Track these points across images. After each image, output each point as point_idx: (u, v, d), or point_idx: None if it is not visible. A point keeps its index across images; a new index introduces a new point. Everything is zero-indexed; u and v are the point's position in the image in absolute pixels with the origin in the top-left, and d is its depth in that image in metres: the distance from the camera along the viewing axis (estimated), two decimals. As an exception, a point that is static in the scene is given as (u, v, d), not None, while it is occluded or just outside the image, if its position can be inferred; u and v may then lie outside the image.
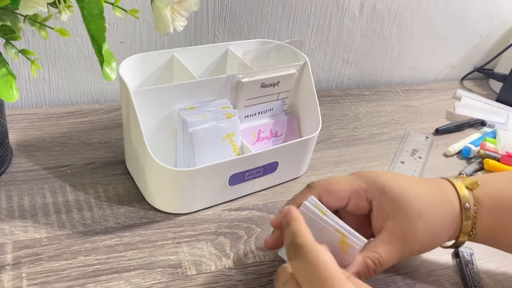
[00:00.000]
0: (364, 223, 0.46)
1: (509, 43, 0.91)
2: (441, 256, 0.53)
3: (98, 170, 0.57)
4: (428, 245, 0.45)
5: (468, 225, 0.45)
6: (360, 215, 0.46)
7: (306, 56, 0.60)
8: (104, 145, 0.62)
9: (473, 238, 0.46)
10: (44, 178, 0.55)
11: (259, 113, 0.60)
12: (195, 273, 0.47)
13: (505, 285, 0.50)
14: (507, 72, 0.90)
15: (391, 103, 0.84)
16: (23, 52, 0.42)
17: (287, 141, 0.57)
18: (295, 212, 0.39)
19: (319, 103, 0.61)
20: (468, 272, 0.50)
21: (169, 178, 0.50)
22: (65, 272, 0.44)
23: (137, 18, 0.44)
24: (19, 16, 0.42)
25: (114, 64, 0.45)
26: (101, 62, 0.44)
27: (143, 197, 0.54)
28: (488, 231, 0.45)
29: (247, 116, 0.59)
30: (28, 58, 0.42)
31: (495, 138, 0.74)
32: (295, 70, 0.59)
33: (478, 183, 0.46)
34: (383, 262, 0.42)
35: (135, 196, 0.54)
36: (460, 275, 0.51)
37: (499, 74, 0.92)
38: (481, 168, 0.69)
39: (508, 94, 0.89)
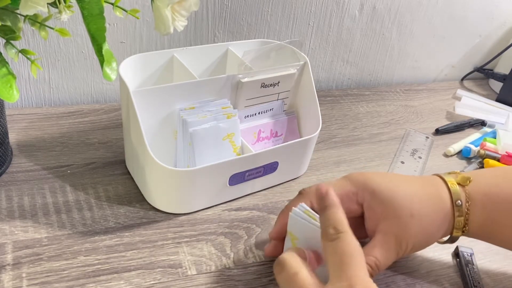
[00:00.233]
0: (358, 224, 0.46)
1: (509, 43, 0.91)
2: (441, 256, 0.53)
3: (98, 170, 0.57)
4: (423, 243, 0.45)
5: (460, 221, 0.45)
6: (353, 217, 0.46)
7: (306, 56, 0.60)
8: (104, 145, 0.62)
9: (466, 233, 0.46)
10: (44, 178, 0.55)
11: (259, 113, 0.60)
12: (195, 273, 0.47)
13: (505, 285, 0.50)
14: (507, 72, 0.90)
15: (391, 103, 0.84)
16: (23, 52, 0.42)
17: (287, 141, 0.57)
18: (334, 196, 0.38)
19: (319, 103, 0.61)
20: (468, 272, 0.50)
21: (169, 178, 0.50)
22: (65, 272, 0.44)
23: (137, 18, 0.44)
24: (19, 16, 0.42)
25: (114, 64, 0.45)
26: (101, 62, 0.44)
27: (143, 197, 0.54)
28: (481, 227, 0.45)
29: (247, 116, 0.59)
30: (28, 58, 0.42)
31: (495, 138, 0.74)
32: (295, 70, 0.59)
33: (471, 179, 0.46)
34: (380, 265, 0.42)
35: (135, 196, 0.54)
36: (460, 275, 0.51)
37: (499, 74, 0.92)
38: (481, 168, 0.69)
39: (508, 94, 0.89)
